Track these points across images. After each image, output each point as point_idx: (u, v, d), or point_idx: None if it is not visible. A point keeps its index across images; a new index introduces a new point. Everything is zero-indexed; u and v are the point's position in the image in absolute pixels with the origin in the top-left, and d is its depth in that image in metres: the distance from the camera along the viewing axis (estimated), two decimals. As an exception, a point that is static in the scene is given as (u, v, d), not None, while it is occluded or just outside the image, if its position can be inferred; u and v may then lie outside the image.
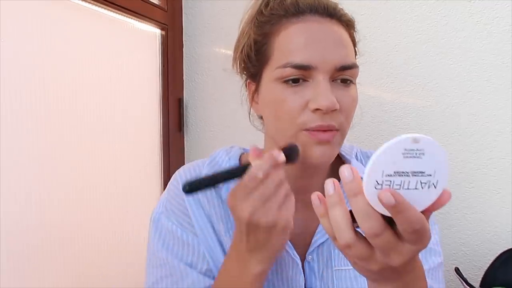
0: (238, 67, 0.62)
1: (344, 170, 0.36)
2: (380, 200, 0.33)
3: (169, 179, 0.65)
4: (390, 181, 0.34)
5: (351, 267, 0.60)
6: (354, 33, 0.59)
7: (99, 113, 1.00)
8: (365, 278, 0.60)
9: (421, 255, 0.59)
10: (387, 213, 0.34)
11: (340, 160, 0.66)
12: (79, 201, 0.94)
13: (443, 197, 0.36)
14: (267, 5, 0.57)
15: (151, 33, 1.22)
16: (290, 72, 0.52)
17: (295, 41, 0.52)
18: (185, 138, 1.33)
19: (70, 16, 0.92)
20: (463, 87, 1.09)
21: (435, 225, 0.64)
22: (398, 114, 1.14)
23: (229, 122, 1.26)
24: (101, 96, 1.01)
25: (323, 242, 0.60)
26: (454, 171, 1.09)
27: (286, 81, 0.52)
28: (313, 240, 0.60)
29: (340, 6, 0.57)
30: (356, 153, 0.68)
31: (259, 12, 0.57)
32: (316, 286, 0.60)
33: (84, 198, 0.95)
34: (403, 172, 0.34)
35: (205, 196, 0.60)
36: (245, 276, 0.50)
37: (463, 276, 0.96)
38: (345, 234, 0.36)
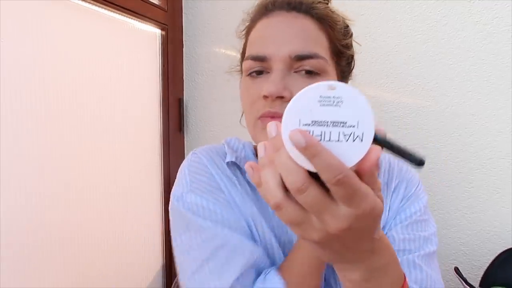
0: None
1: (269, 126, 0.34)
2: (291, 141, 0.31)
3: (169, 179, 0.64)
4: (309, 131, 0.31)
5: None
6: (333, 27, 0.57)
7: (99, 113, 1.00)
8: None
9: (414, 240, 0.59)
10: (311, 168, 0.31)
11: None
12: (79, 201, 0.94)
13: (371, 154, 0.32)
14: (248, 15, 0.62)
15: (151, 33, 1.22)
16: (249, 64, 0.55)
17: (256, 36, 0.56)
18: (185, 138, 1.34)
19: (70, 16, 0.92)
20: (463, 87, 1.09)
21: (424, 195, 0.65)
22: (398, 114, 1.14)
23: (229, 122, 1.26)
24: (101, 96, 1.01)
25: None
26: (454, 171, 1.09)
27: (250, 74, 0.55)
28: None
29: (314, 1, 0.56)
30: None
31: (243, 24, 0.62)
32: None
33: (84, 198, 0.95)
34: (321, 122, 0.32)
35: (233, 175, 0.60)
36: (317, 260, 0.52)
37: (462, 275, 0.96)
38: (274, 193, 0.33)
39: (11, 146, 0.77)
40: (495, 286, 0.94)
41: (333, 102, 0.32)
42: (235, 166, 0.61)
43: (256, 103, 0.54)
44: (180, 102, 1.31)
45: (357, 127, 0.32)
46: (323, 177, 0.31)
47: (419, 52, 1.11)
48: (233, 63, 0.66)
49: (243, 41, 0.62)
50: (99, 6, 0.99)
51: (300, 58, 0.53)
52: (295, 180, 0.32)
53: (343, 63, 0.59)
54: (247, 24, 0.61)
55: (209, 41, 1.30)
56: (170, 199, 0.60)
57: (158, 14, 1.20)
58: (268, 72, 0.54)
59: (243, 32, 0.62)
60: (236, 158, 0.61)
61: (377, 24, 1.13)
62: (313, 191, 0.32)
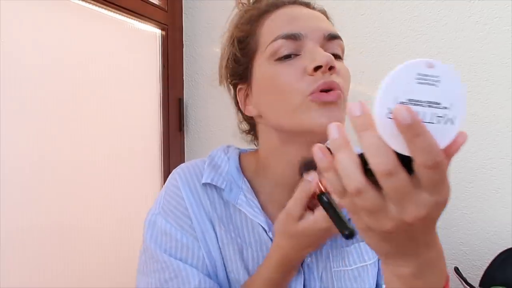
0: (226, 81, 0.64)
1: (352, 105, 0.31)
2: (395, 118, 0.29)
3: (169, 177, 0.63)
4: None
5: (349, 268, 0.60)
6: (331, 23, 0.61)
7: (98, 113, 1.00)
8: (364, 279, 0.60)
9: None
10: (403, 151, 0.30)
11: None
12: (79, 201, 0.94)
13: (459, 138, 0.30)
14: (243, 15, 0.60)
15: (151, 33, 1.22)
16: (281, 43, 0.52)
17: (281, 19, 0.54)
18: (185, 138, 1.33)
19: (70, 16, 0.92)
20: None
21: None
22: (398, 114, 1.14)
23: (229, 122, 1.26)
24: (101, 96, 1.01)
25: (322, 244, 0.60)
26: (454, 171, 1.09)
27: (278, 59, 0.53)
28: None
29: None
30: None
31: (240, 19, 0.60)
32: (315, 287, 0.60)
33: (84, 198, 0.95)
34: (417, 101, 0.30)
35: (207, 197, 0.59)
36: (289, 277, 0.56)
37: (462, 275, 0.96)
38: (355, 176, 0.31)
39: (11, 146, 0.77)
40: (495, 286, 0.94)
41: (431, 81, 0.30)
42: (212, 186, 0.60)
43: (300, 81, 0.51)
44: (180, 102, 1.31)
45: (450, 109, 0.30)
46: (420, 159, 0.29)
47: (419, 52, 1.11)
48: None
49: (234, 42, 0.59)
50: (99, 6, 0.99)
51: (333, 37, 0.54)
52: (385, 162, 0.30)
53: None
54: (246, 25, 0.58)
55: (209, 41, 1.30)
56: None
57: (158, 14, 1.20)
58: (298, 55, 0.52)
59: (237, 32, 0.59)
60: (213, 178, 0.59)
61: (377, 24, 1.13)
62: (402, 176, 0.30)
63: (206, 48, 1.30)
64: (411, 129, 0.28)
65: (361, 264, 0.61)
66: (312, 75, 0.50)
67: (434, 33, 1.10)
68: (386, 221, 0.32)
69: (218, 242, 0.58)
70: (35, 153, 0.82)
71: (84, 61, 0.95)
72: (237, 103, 0.63)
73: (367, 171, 0.31)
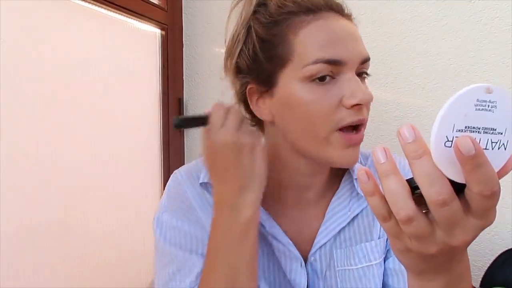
0: (233, 73, 0.59)
1: (404, 130, 0.30)
2: (457, 149, 0.28)
3: (169, 179, 0.64)
4: None
5: (355, 267, 0.59)
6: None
7: (99, 113, 1.00)
8: (370, 278, 0.59)
9: None
10: (457, 178, 0.30)
11: None
12: (79, 201, 0.94)
13: (509, 163, 0.31)
14: (264, 4, 0.54)
15: (151, 33, 1.22)
16: (321, 68, 0.50)
17: (321, 38, 0.51)
18: (185, 138, 1.33)
19: (70, 16, 0.92)
20: (463, 87, 1.09)
21: None
22: (398, 114, 1.14)
23: (229, 122, 1.26)
24: (101, 95, 1.01)
25: (325, 243, 0.60)
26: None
27: (313, 80, 0.51)
28: (315, 241, 0.60)
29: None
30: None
31: (256, 13, 0.55)
32: (319, 286, 0.59)
33: (84, 197, 0.95)
34: (474, 128, 0.29)
35: (208, 195, 0.60)
36: (238, 222, 0.51)
37: (463, 276, 0.96)
38: (405, 204, 0.30)
39: (11, 145, 0.77)
40: (495, 286, 0.94)
41: (488, 106, 0.30)
42: (210, 185, 0.59)
43: (335, 112, 0.51)
44: (180, 102, 1.30)
45: (504, 135, 0.30)
46: (477, 189, 0.29)
47: (419, 52, 1.11)
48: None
49: (254, 39, 0.54)
50: (99, 6, 0.99)
51: (366, 60, 0.54)
52: (442, 192, 0.29)
53: None
54: (271, 26, 0.53)
55: (209, 41, 1.30)
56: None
57: (158, 14, 1.20)
58: (334, 78, 0.51)
59: (262, 30, 0.54)
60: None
61: (377, 24, 1.13)
62: (456, 204, 0.30)
63: (206, 48, 1.30)
64: (474, 160, 0.28)
65: (367, 264, 0.60)
66: (348, 109, 0.51)
67: (434, 33, 1.10)
68: (431, 246, 0.32)
69: None
70: (34, 153, 0.82)
71: (84, 61, 0.95)
72: (241, 98, 0.60)
73: (414, 195, 0.31)
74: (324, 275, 0.59)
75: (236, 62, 0.57)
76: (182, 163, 1.31)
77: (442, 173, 0.30)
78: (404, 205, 0.31)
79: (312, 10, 0.52)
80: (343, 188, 0.62)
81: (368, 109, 0.55)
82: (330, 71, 0.51)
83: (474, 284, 0.94)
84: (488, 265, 0.98)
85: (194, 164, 0.63)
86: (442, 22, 1.10)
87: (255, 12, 0.55)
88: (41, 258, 0.83)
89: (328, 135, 0.51)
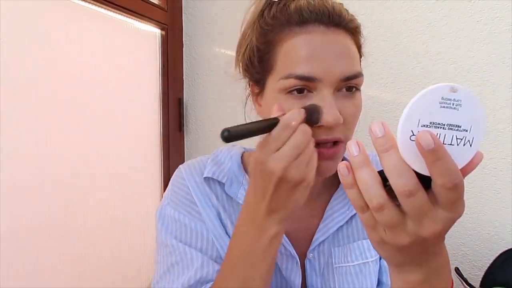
0: (240, 68, 0.61)
1: (374, 126, 0.33)
2: (418, 143, 0.30)
3: (169, 179, 0.65)
4: None
5: (351, 264, 0.61)
6: (360, 38, 0.58)
7: (99, 112, 1.00)
8: (366, 275, 0.61)
9: None
10: (423, 171, 0.32)
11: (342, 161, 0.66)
12: (79, 201, 0.93)
13: (476, 159, 0.33)
14: (270, 9, 0.55)
15: (151, 33, 1.22)
16: (293, 82, 0.51)
17: (299, 53, 0.51)
18: (185, 138, 1.33)
19: (70, 16, 0.92)
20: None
21: None
22: (398, 114, 1.13)
23: (229, 122, 1.25)
24: (101, 96, 1.01)
25: (324, 240, 0.61)
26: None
27: (290, 92, 0.52)
28: (314, 238, 0.61)
29: (345, 10, 0.55)
30: None
31: (262, 16, 0.55)
32: (317, 283, 0.60)
33: (84, 197, 0.95)
34: (439, 124, 0.31)
35: (212, 192, 0.61)
36: (261, 239, 0.49)
37: (463, 276, 0.96)
38: (377, 192, 0.33)
39: (11, 145, 0.77)
40: (495, 286, 0.94)
41: (453, 105, 0.32)
42: (214, 180, 0.61)
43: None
44: (180, 102, 1.31)
45: (469, 132, 0.32)
46: (440, 181, 0.31)
47: (419, 52, 1.11)
48: (232, 65, 0.63)
49: (253, 42, 0.56)
50: (99, 6, 0.99)
51: (349, 78, 0.52)
52: (407, 183, 0.31)
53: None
54: (267, 32, 0.54)
55: (209, 41, 1.30)
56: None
57: (158, 14, 1.20)
58: (311, 92, 0.51)
59: (257, 39, 0.55)
60: (214, 172, 0.61)
61: (377, 24, 1.13)
62: (422, 196, 0.32)
63: (206, 48, 1.30)
64: (433, 153, 0.30)
65: (363, 261, 0.62)
66: (317, 128, 0.51)
67: (434, 33, 1.10)
68: (403, 236, 0.34)
69: (224, 228, 0.60)
70: (34, 153, 0.82)
71: (83, 61, 0.95)
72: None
73: (386, 187, 0.33)
74: (322, 272, 0.60)
75: (242, 59, 0.59)
76: (182, 163, 1.30)
77: (409, 166, 0.32)
78: (375, 194, 0.33)
79: (300, 23, 0.52)
80: (343, 188, 0.62)
81: (349, 127, 0.54)
82: (304, 85, 0.51)
83: (474, 284, 0.94)
84: (488, 265, 0.98)
85: (199, 160, 0.65)
86: (442, 22, 1.10)
87: (261, 14, 0.56)
88: (41, 258, 0.83)
89: None
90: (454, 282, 1.02)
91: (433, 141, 0.30)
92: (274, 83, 0.53)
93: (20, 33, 0.79)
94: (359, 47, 0.57)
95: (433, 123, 0.31)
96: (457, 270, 0.98)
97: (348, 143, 0.35)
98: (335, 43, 0.52)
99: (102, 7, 1.00)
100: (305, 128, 0.47)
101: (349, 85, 0.53)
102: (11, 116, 0.77)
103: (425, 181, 0.32)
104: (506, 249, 0.98)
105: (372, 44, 1.15)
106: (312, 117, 0.49)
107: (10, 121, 0.77)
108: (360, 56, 0.58)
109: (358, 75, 0.53)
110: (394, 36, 1.13)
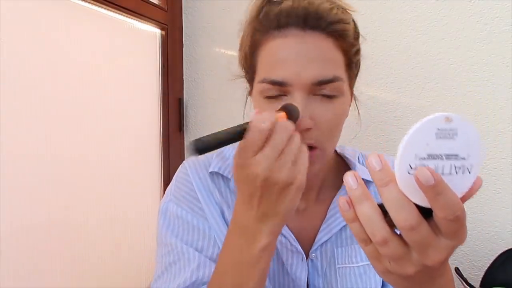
0: (240, 63, 0.63)
1: (372, 159, 0.32)
2: (418, 179, 0.30)
3: (169, 179, 0.65)
4: (424, 166, 0.31)
5: (356, 265, 0.60)
6: (349, 41, 0.54)
7: (99, 113, 1.00)
8: (370, 276, 0.60)
9: None
10: (423, 203, 0.31)
11: (344, 161, 0.67)
12: (79, 201, 0.93)
13: (475, 185, 0.33)
14: (261, 11, 0.56)
15: (151, 33, 1.22)
16: (266, 87, 0.52)
17: (273, 57, 0.52)
18: (185, 138, 1.33)
19: (70, 16, 0.92)
20: (463, 87, 1.09)
21: None
22: (398, 114, 1.14)
23: (229, 122, 1.25)
24: (100, 96, 1.01)
25: (326, 241, 0.61)
26: (454, 171, 1.09)
27: (266, 97, 0.53)
28: (317, 238, 0.61)
29: (332, 13, 0.52)
30: (358, 157, 0.68)
31: (255, 17, 0.56)
32: (319, 283, 0.60)
33: (84, 197, 0.95)
34: (436, 155, 0.31)
35: (216, 187, 0.61)
36: (251, 250, 0.46)
37: (463, 276, 0.96)
38: (380, 228, 0.33)
39: (11, 146, 0.77)
40: (495, 286, 0.94)
41: (449, 134, 0.31)
42: (219, 175, 0.62)
43: None
44: (180, 102, 1.30)
45: (467, 159, 0.32)
46: (441, 214, 0.31)
47: (419, 52, 1.11)
48: (233, 64, 0.64)
49: (246, 43, 0.57)
50: (99, 6, 0.99)
51: (322, 83, 0.51)
52: (408, 217, 0.31)
53: (354, 71, 0.57)
54: (255, 33, 0.55)
55: (209, 41, 1.30)
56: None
57: (158, 14, 1.20)
58: (286, 96, 0.52)
59: (248, 39, 0.57)
60: (220, 167, 0.61)
61: (377, 24, 1.13)
62: (424, 229, 0.32)
63: (206, 48, 1.30)
64: (434, 189, 0.30)
65: (367, 262, 0.61)
66: None
67: (434, 33, 1.10)
68: (408, 266, 0.34)
69: (227, 225, 0.59)
70: (34, 153, 0.82)
71: (83, 61, 0.95)
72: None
73: (387, 219, 0.33)
74: (324, 273, 0.60)
75: (239, 57, 0.61)
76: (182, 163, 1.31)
77: (409, 199, 0.32)
78: (378, 228, 0.33)
79: (278, 27, 0.52)
80: (345, 188, 0.62)
81: (324, 134, 0.53)
82: (278, 89, 0.51)
83: (474, 284, 0.94)
84: (488, 265, 0.98)
85: (203, 156, 0.64)
86: (442, 22, 1.10)
87: (255, 15, 0.57)
88: (41, 258, 0.83)
89: None
90: (454, 282, 1.02)
91: (433, 177, 0.30)
92: (255, 86, 0.55)
93: (20, 33, 0.79)
94: (345, 51, 0.54)
95: (431, 155, 0.31)
96: (457, 270, 0.98)
97: (345, 175, 0.35)
98: (309, 46, 0.51)
99: (102, 7, 1.00)
100: (284, 125, 0.44)
101: (324, 92, 0.51)
102: (11, 116, 0.77)
103: (426, 212, 0.32)
104: (506, 249, 0.98)
105: (372, 44, 1.15)
106: (291, 114, 0.48)
107: (10, 121, 0.76)
108: (349, 60, 0.55)
109: (333, 80, 0.51)
110: (394, 36, 1.13)
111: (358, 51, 0.58)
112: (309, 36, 0.51)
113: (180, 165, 0.65)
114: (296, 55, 0.51)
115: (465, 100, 1.09)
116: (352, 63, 0.56)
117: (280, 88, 0.52)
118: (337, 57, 0.53)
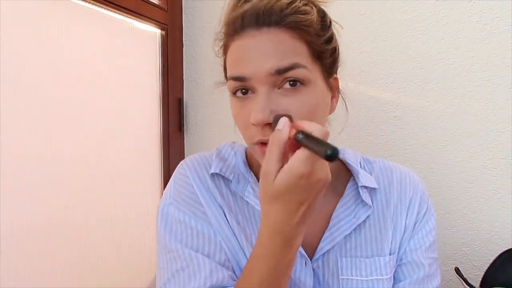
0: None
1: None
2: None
3: (169, 179, 0.63)
4: None
5: (365, 278, 0.59)
6: (310, 30, 0.52)
7: (98, 113, 1.00)
8: None
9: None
10: None
11: (345, 166, 0.66)
12: (79, 201, 0.93)
13: None
14: (226, 16, 0.58)
15: (151, 33, 1.22)
16: (232, 84, 0.53)
17: (233, 57, 0.54)
18: (185, 138, 1.33)
19: (70, 16, 0.92)
20: (463, 87, 1.09)
21: (432, 208, 0.65)
22: (398, 114, 1.14)
23: (229, 122, 1.26)
24: (100, 96, 1.01)
25: (329, 250, 0.59)
26: (454, 171, 1.09)
27: (235, 93, 0.54)
28: (319, 247, 0.59)
29: (288, 6, 0.52)
30: (360, 161, 0.67)
31: (224, 21, 0.59)
32: None
33: (84, 198, 0.95)
34: None
35: (216, 189, 0.59)
36: (287, 256, 0.47)
37: (463, 276, 0.96)
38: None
39: (11, 146, 0.77)
40: (495, 286, 0.94)
41: None
42: (220, 176, 0.60)
43: (248, 129, 0.53)
44: (180, 102, 1.30)
45: None
46: None
47: (419, 52, 1.11)
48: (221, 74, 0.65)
49: (223, 57, 0.60)
50: (99, 6, 0.99)
51: (281, 71, 0.50)
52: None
53: (326, 61, 0.55)
54: (222, 42, 0.59)
55: (209, 41, 1.29)
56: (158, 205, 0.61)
57: (158, 14, 1.20)
58: (253, 92, 0.52)
59: (221, 51, 0.60)
60: (221, 168, 0.60)
61: (377, 24, 1.13)
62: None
63: (206, 48, 1.30)
64: None
65: (377, 277, 0.59)
66: (255, 127, 0.51)
67: (434, 33, 1.10)
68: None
69: (231, 228, 0.58)
70: (34, 153, 0.82)
71: (83, 61, 0.95)
72: None
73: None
74: (326, 283, 0.59)
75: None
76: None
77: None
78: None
79: (236, 30, 0.54)
80: (348, 195, 0.62)
81: (295, 115, 0.52)
82: (241, 86, 0.53)
83: (474, 284, 0.94)
84: (488, 265, 0.98)
85: (202, 155, 0.63)
86: (442, 22, 1.10)
87: (224, 21, 0.59)
88: (41, 258, 0.83)
89: (251, 146, 0.54)
90: (454, 282, 1.02)
91: None
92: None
93: (20, 33, 0.79)
94: (308, 41, 0.52)
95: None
96: (457, 270, 0.98)
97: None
98: (264, 42, 0.51)
99: (102, 7, 1.00)
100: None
101: (287, 80, 0.51)
102: (11, 116, 0.77)
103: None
104: (506, 249, 0.98)
105: (372, 44, 1.15)
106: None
107: (10, 121, 0.76)
108: (314, 50, 0.53)
109: (293, 67, 0.50)
110: (394, 36, 1.13)
111: (330, 40, 0.56)
112: (264, 33, 0.51)
113: (178, 165, 0.62)
114: (251, 52, 0.52)
115: (465, 100, 1.09)
116: (321, 53, 0.54)
117: (244, 84, 0.52)
118: (298, 47, 0.52)
